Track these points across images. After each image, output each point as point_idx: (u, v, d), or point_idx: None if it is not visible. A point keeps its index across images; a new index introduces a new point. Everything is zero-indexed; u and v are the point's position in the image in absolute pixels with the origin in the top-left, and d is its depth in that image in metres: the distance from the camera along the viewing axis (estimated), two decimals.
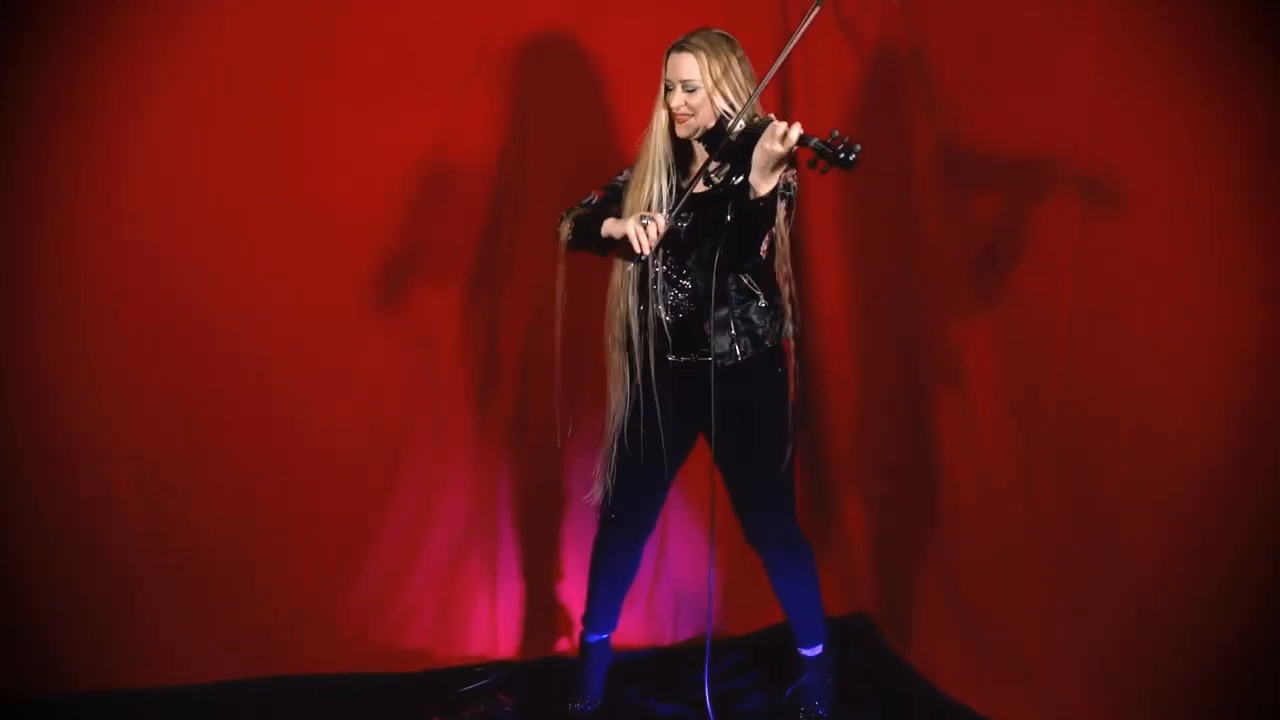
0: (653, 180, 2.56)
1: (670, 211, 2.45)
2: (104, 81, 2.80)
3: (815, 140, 2.21)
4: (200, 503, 2.96)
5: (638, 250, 2.42)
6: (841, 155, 2.14)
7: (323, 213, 2.98)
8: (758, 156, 2.28)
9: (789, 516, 2.75)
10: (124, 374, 2.89)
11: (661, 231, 2.41)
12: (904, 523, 3.24)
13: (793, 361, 2.71)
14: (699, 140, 2.56)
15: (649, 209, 2.53)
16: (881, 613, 3.37)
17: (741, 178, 2.43)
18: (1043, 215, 2.70)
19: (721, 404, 2.58)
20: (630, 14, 3.13)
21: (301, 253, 2.98)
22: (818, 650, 2.89)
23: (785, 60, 3.12)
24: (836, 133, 2.19)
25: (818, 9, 2.31)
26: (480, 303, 3.14)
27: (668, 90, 2.55)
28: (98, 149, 2.82)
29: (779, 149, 2.23)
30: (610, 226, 2.52)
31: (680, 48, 2.54)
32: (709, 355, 2.57)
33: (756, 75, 2.54)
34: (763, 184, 2.31)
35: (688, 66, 2.52)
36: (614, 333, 2.64)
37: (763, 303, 2.60)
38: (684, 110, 2.53)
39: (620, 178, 2.70)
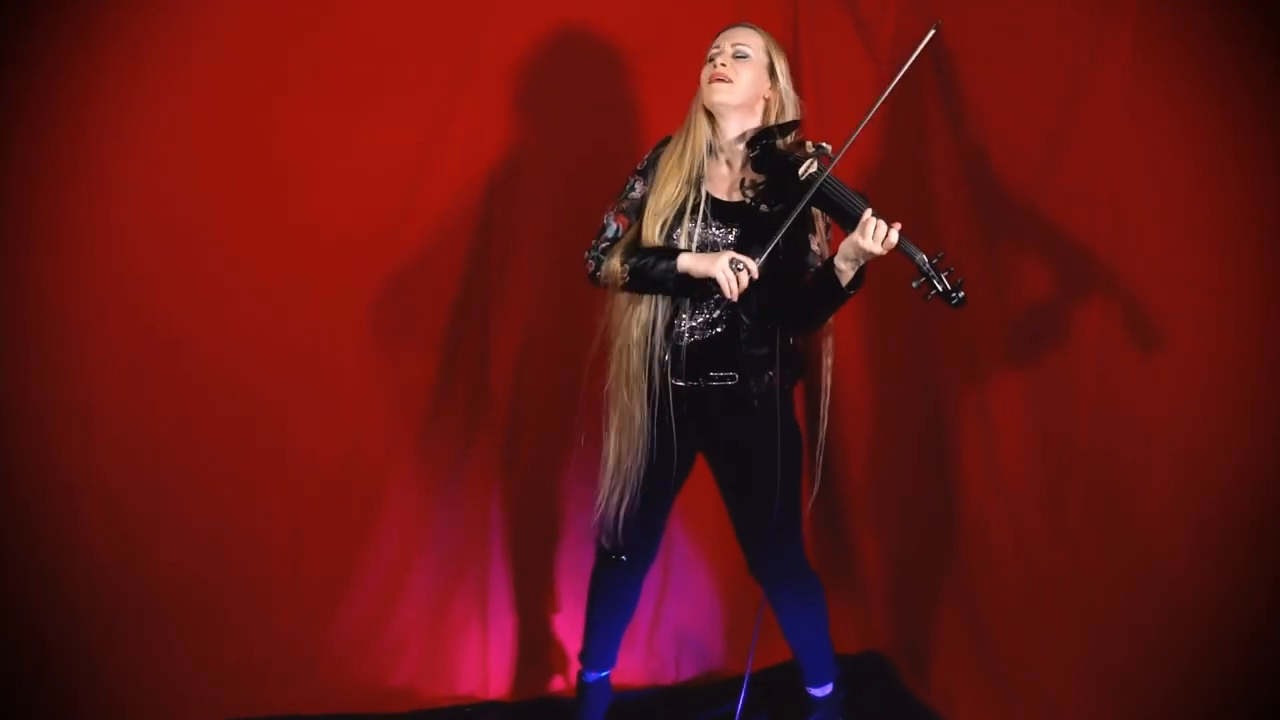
0: (681, 183, 2.50)
1: (760, 258, 2.35)
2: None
3: (920, 256, 2.18)
4: (170, 534, 2.89)
5: (727, 295, 2.35)
6: (950, 292, 2.14)
7: (300, 228, 2.92)
8: (848, 248, 2.26)
9: (797, 548, 2.70)
10: (88, 398, 2.81)
11: (755, 278, 2.33)
12: (922, 554, 3.18)
13: (806, 386, 2.71)
14: (750, 144, 2.48)
15: (673, 213, 2.48)
16: (897, 650, 3.31)
17: (780, 209, 2.38)
18: (1071, 229, 2.65)
19: (724, 429, 2.56)
20: (633, 12, 3.09)
21: (277, 269, 2.92)
22: (827, 690, 2.85)
23: (798, 65, 3.16)
24: (941, 255, 2.17)
25: (934, 32, 2.31)
26: (469, 321, 3.09)
27: (709, 60, 2.51)
28: (56, 159, 2.75)
29: (876, 251, 2.22)
30: (690, 262, 2.40)
31: (735, 25, 2.54)
32: (720, 379, 2.52)
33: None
34: (849, 272, 2.31)
35: (744, 34, 2.51)
36: (629, 353, 2.55)
37: (793, 342, 2.57)
38: (724, 71, 2.47)
39: (634, 192, 2.61)
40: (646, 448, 2.56)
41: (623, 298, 2.55)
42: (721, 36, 2.54)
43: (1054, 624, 2.73)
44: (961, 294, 2.17)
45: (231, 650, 2.95)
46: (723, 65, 2.47)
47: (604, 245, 2.56)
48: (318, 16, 2.90)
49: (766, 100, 2.53)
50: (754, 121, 2.52)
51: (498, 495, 3.15)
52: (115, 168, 2.78)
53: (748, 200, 2.48)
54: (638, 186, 2.60)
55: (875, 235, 2.21)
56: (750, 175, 2.49)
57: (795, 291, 2.43)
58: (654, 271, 2.44)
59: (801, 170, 2.35)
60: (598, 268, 2.54)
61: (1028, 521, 2.82)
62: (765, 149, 2.41)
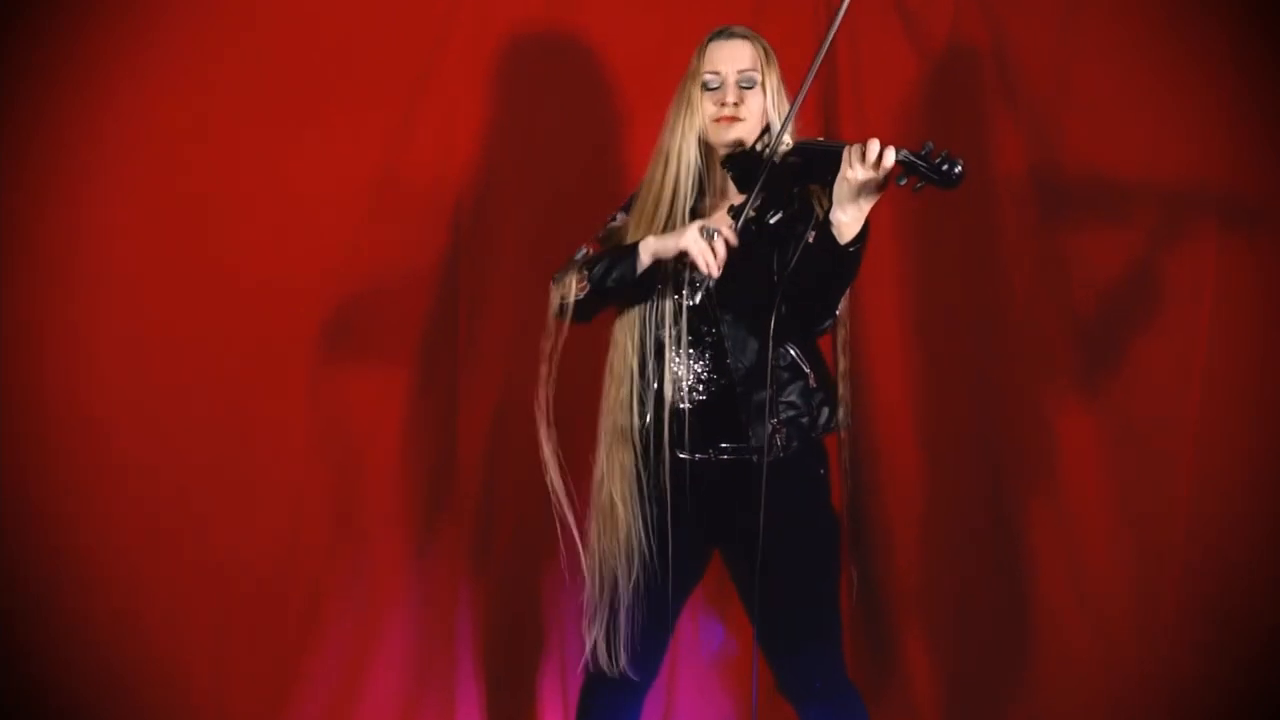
0: (673, 208, 2.46)
1: (737, 224, 2.31)
2: None
3: (910, 155, 2.15)
4: (70, 649, 2.85)
5: (704, 269, 2.29)
6: (944, 167, 2.10)
7: (226, 269, 2.90)
8: (840, 189, 2.20)
9: (833, 660, 2.58)
10: None
11: (732, 243, 2.29)
12: (982, 664, 3.12)
13: (840, 458, 2.62)
14: (727, 166, 2.45)
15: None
16: None
17: (779, 215, 2.36)
18: (1166, 267, 2.69)
19: (740, 514, 2.44)
20: (629, 10, 3.07)
21: (197, 321, 2.90)
22: None
23: (833, 65, 3.16)
24: (930, 145, 2.13)
25: None
26: (432, 386, 3.05)
27: (709, 88, 2.47)
28: None
29: (871, 175, 2.15)
30: (654, 245, 2.38)
31: (731, 34, 2.49)
32: (731, 451, 2.43)
33: (789, 93, 2.51)
34: (851, 223, 2.22)
35: (746, 55, 2.46)
36: (617, 422, 2.49)
37: (812, 382, 2.46)
38: (733, 112, 2.44)
39: (614, 222, 2.58)
40: (638, 541, 2.48)
41: (614, 345, 2.50)
42: (716, 53, 2.49)
43: None
44: (959, 168, 2.07)
45: None
46: (734, 104, 2.45)
47: (577, 263, 2.53)
48: (253, 14, 2.89)
49: (768, 119, 2.52)
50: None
51: (466, 598, 3.08)
52: None
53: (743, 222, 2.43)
54: (620, 216, 2.58)
55: (864, 157, 2.13)
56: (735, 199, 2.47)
57: (798, 275, 2.35)
58: (615, 273, 2.42)
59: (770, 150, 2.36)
60: (557, 290, 2.50)
61: (1112, 625, 2.80)
62: (736, 160, 2.42)
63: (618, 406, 2.48)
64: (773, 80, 2.50)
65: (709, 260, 2.28)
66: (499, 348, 3.02)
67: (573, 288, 2.45)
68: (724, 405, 2.43)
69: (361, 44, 2.92)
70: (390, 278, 2.98)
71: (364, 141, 2.94)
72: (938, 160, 2.10)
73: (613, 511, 2.51)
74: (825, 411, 2.48)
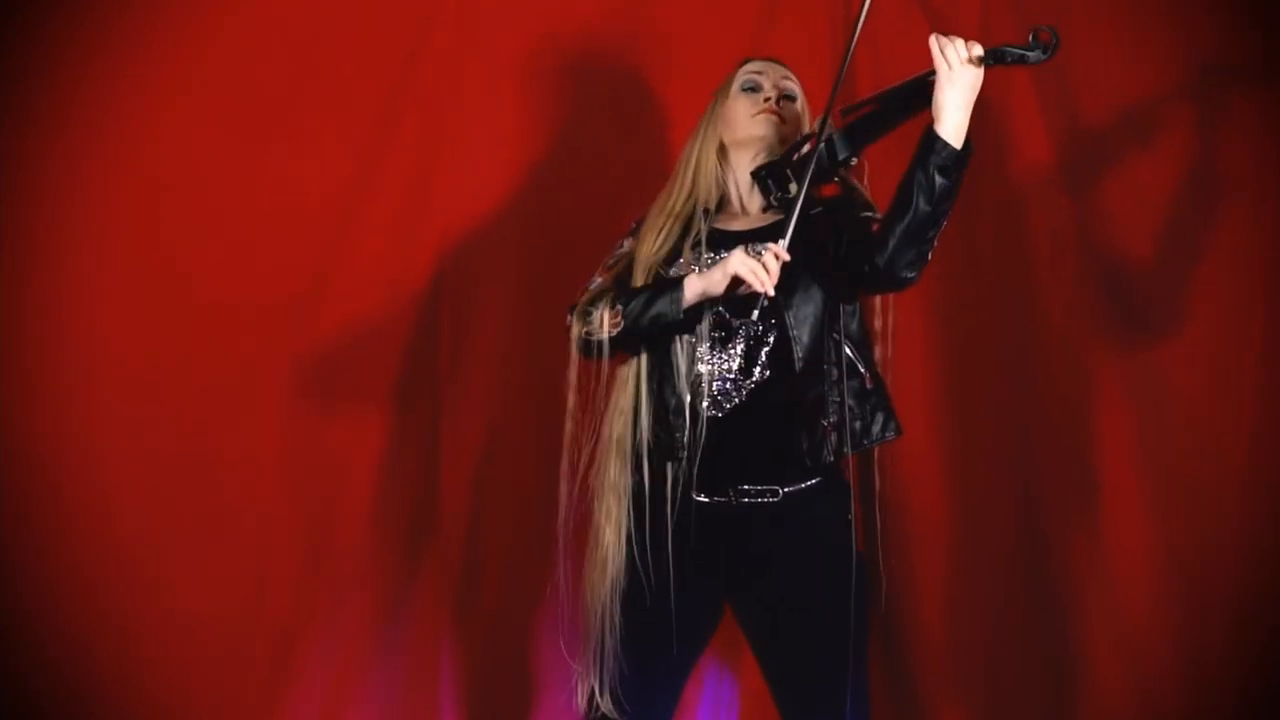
0: (691, 221, 2.44)
1: (786, 234, 2.25)
2: None
3: (1004, 49, 2.20)
4: (23, 703, 2.80)
5: (760, 288, 2.21)
6: (1024, 48, 2.16)
7: (187, 292, 2.87)
8: (946, 98, 2.18)
9: None
10: None
11: (783, 259, 2.23)
12: None
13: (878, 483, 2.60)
14: (759, 175, 2.42)
15: (668, 247, 2.41)
16: None
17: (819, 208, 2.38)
18: (1213, 283, 2.69)
19: (760, 564, 2.35)
20: (626, 17, 3.04)
21: (154, 347, 2.87)
22: None
23: (853, 69, 3.09)
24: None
25: None
26: (412, 417, 3.01)
27: (746, 88, 2.50)
28: None
29: (966, 65, 2.14)
30: (699, 283, 2.32)
31: (768, 58, 2.55)
32: (756, 494, 2.33)
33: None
34: (959, 129, 2.18)
35: (787, 72, 2.52)
36: (613, 431, 2.42)
37: (868, 383, 2.40)
38: (775, 106, 2.47)
39: (622, 249, 2.53)
40: (646, 585, 2.37)
41: (620, 373, 2.45)
42: (755, 68, 2.54)
43: None
44: (1045, 51, 2.12)
45: None
46: (777, 100, 2.49)
47: (601, 297, 2.48)
48: (218, 14, 2.87)
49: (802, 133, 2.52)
50: None
51: (449, 652, 3.04)
52: None
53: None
54: (627, 243, 2.54)
55: (957, 51, 2.14)
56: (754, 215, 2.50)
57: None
58: (654, 309, 2.34)
59: (801, 146, 2.35)
60: (583, 324, 2.42)
61: (1156, 685, 2.79)
62: (771, 167, 2.40)
63: (616, 414, 2.44)
64: (806, 107, 2.55)
65: (761, 276, 2.21)
66: (484, 379, 2.99)
67: (604, 323, 2.38)
68: (759, 420, 2.34)
69: (334, 49, 2.91)
70: (366, 302, 2.96)
71: (337, 153, 2.91)
72: (1031, 40, 2.15)
73: (600, 539, 2.42)
74: (880, 418, 2.41)
